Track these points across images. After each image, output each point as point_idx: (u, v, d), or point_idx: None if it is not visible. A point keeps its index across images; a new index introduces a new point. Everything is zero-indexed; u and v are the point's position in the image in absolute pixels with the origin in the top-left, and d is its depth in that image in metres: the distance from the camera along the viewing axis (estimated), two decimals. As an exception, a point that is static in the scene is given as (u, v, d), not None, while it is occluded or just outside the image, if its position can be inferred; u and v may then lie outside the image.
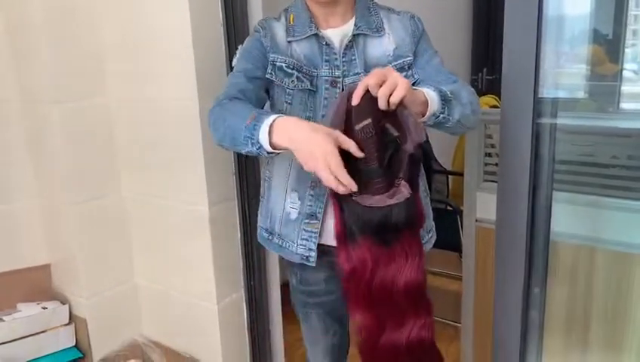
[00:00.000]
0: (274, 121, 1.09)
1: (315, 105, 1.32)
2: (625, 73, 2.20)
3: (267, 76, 1.33)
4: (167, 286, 1.99)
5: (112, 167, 1.95)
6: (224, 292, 1.88)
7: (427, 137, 1.50)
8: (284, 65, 1.32)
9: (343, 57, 1.32)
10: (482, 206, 1.99)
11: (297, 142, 1.05)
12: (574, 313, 1.49)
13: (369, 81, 1.00)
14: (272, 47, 1.34)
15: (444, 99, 1.16)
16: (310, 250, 1.36)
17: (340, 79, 1.32)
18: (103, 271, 1.98)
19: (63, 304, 2.01)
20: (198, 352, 1.96)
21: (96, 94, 1.88)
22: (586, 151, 1.57)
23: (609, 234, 1.44)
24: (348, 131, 1.03)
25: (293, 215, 1.37)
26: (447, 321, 2.70)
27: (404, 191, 1.02)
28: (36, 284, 2.04)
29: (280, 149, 1.11)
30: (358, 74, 1.31)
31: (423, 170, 1.41)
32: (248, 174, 1.85)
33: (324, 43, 1.32)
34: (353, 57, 1.32)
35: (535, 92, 1.25)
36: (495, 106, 2.96)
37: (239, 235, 1.88)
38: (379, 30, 1.34)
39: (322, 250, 1.35)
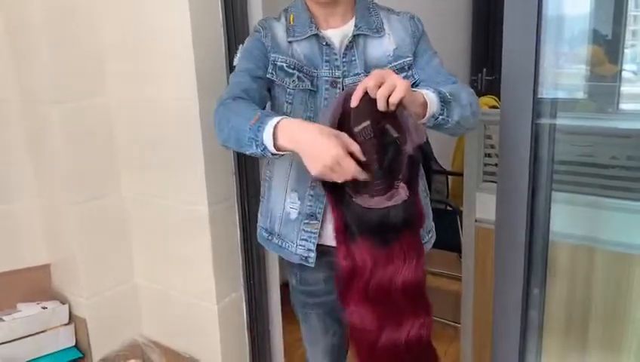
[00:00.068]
0: (278, 122, 1.08)
1: (316, 106, 1.32)
2: (624, 74, 2.20)
3: (268, 76, 1.33)
4: (166, 286, 1.99)
5: (112, 167, 1.95)
6: (224, 292, 1.88)
7: (427, 138, 1.50)
8: (284, 65, 1.33)
9: (343, 58, 1.32)
10: (482, 206, 1.99)
11: (303, 145, 1.04)
12: (573, 313, 1.49)
13: (368, 82, 1.00)
14: (273, 47, 1.34)
15: (444, 101, 1.16)
16: (309, 250, 1.36)
17: (340, 79, 1.32)
18: (102, 271, 1.98)
19: (63, 304, 2.01)
20: (198, 352, 1.97)
21: (96, 94, 1.88)
22: (585, 151, 1.57)
23: (608, 234, 1.44)
24: (347, 133, 1.03)
25: (293, 215, 1.37)
26: (446, 321, 2.70)
27: (401, 193, 1.02)
28: (36, 284, 2.04)
29: (284, 151, 1.10)
30: (358, 74, 1.32)
31: (422, 171, 1.41)
32: (248, 174, 1.85)
33: (324, 43, 1.33)
34: (353, 58, 1.33)
35: (534, 92, 1.25)
36: (494, 107, 2.96)
37: (239, 235, 1.88)
38: (379, 31, 1.35)
39: (322, 250, 1.35)
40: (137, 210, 1.99)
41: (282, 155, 1.13)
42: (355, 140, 1.02)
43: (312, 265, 1.36)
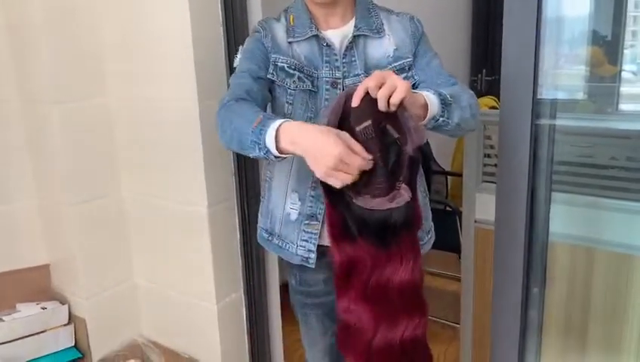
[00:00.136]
0: (280, 125, 1.07)
1: (316, 106, 1.32)
2: (624, 74, 2.20)
3: (269, 76, 1.33)
4: (166, 286, 1.99)
5: (111, 167, 1.95)
6: (223, 293, 1.88)
7: (426, 138, 1.50)
8: (285, 65, 1.33)
9: (343, 58, 1.32)
10: (481, 207, 2.00)
11: (306, 147, 1.03)
12: (573, 313, 1.49)
13: (369, 82, 1.00)
14: (273, 47, 1.34)
15: (444, 103, 1.16)
16: (310, 251, 1.36)
17: (341, 80, 1.32)
18: (102, 272, 1.98)
19: (63, 304, 2.01)
20: (197, 352, 1.97)
21: (96, 94, 1.88)
22: (584, 152, 1.58)
23: (607, 235, 1.44)
24: (348, 133, 1.03)
25: (294, 216, 1.37)
26: (446, 322, 2.71)
27: (404, 194, 1.02)
28: (35, 284, 2.04)
29: (287, 154, 1.09)
30: (358, 75, 1.32)
31: (421, 171, 1.41)
32: (248, 175, 1.85)
33: (324, 44, 1.33)
34: (353, 58, 1.33)
35: (534, 93, 1.25)
36: (494, 107, 2.97)
37: (238, 235, 1.89)
38: (379, 31, 1.35)
39: (322, 251, 1.35)
40: (137, 211, 1.99)
41: (285, 158, 1.13)
42: (356, 140, 1.02)
43: (313, 266, 1.37)
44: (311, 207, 1.35)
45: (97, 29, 1.85)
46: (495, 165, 1.80)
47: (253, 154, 1.14)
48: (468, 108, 1.23)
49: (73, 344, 2.01)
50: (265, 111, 1.38)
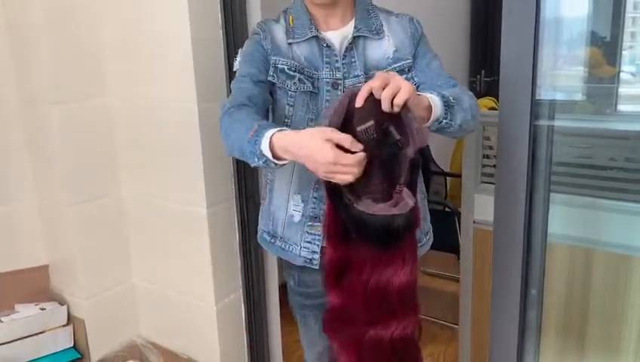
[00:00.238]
0: (272, 135, 1.10)
1: (317, 107, 1.32)
2: (622, 75, 2.21)
3: (269, 79, 1.33)
4: (165, 286, 1.99)
5: (111, 167, 1.95)
6: (222, 293, 1.88)
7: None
8: (286, 67, 1.33)
9: (343, 59, 1.32)
10: (480, 207, 2.00)
11: (299, 155, 1.06)
12: (571, 314, 1.49)
13: (373, 83, 1.00)
14: (273, 49, 1.34)
15: (447, 105, 1.17)
16: (314, 252, 1.36)
17: (341, 81, 1.32)
18: (101, 272, 1.98)
19: (62, 305, 2.00)
20: (196, 353, 1.96)
21: (95, 95, 1.88)
22: (583, 153, 1.58)
23: (606, 236, 1.44)
24: (350, 133, 1.03)
25: (297, 217, 1.37)
26: (445, 322, 2.71)
27: (408, 201, 1.02)
28: (34, 285, 2.04)
29: (286, 161, 1.12)
30: (358, 76, 1.32)
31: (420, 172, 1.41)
32: (247, 175, 1.85)
33: (324, 45, 1.33)
34: (353, 59, 1.33)
35: (533, 94, 1.25)
36: (493, 108, 2.97)
37: (238, 236, 1.89)
38: (378, 32, 1.35)
39: (323, 252, 1.35)
40: (136, 211, 1.99)
41: (286, 163, 1.14)
42: (358, 140, 1.02)
43: (317, 267, 1.37)
44: (314, 208, 1.35)
45: (97, 29, 1.85)
46: (494, 166, 1.80)
47: (253, 163, 1.17)
48: (469, 109, 1.23)
49: (72, 345, 2.01)
50: (267, 114, 1.38)
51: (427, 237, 1.46)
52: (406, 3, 1.93)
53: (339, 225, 1.08)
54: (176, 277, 1.94)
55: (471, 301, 2.08)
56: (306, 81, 1.32)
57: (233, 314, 1.93)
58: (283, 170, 1.37)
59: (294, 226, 1.38)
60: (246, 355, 2.00)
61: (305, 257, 1.37)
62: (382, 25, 1.36)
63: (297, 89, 1.32)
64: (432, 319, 2.73)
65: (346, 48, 1.33)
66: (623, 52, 2.24)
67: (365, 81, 1.30)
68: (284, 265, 1.50)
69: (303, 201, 1.36)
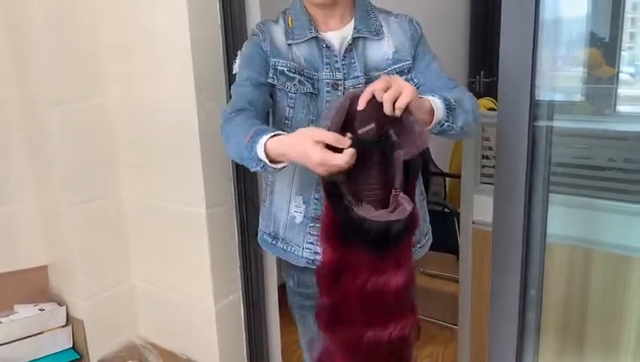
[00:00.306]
0: (266, 141, 1.10)
1: (318, 109, 1.32)
2: (621, 76, 2.21)
3: (269, 80, 1.33)
4: (164, 287, 1.99)
5: (110, 168, 1.95)
6: (222, 294, 1.88)
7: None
8: (285, 69, 1.32)
9: (342, 60, 1.32)
10: (479, 208, 2.00)
11: (294, 158, 1.06)
12: (570, 315, 1.49)
13: (375, 86, 1.00)
14: (273, 51, 1.34)
15: (449, 108, 1.17)
16: (316, 253, 1.35)
17: (342, 81, 1.32)
18: (100, 273, 1.97)
19: (60, 305, 2.00)
20: (196, 353, 1.96)
21: (95, 95, 1.88)
22: (582, 153, 1.58)
23: (605, 236, 1.44)
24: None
25: (299, 219, 1.37)
26: (444, 323, 2.71)
27: (405, 206, 1.02)
28: (33, 286, 2.04)
29: (283, 162, 1.12)
30: (357, 77, 1.32)
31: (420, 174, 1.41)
32: (246, 176, 1.85)
33: (324, 46, 1.32)
34: (353, 60, 1.33)
35: (532, 95, 1.26)
36: (492, 109, 2.97)
37: (237, 237, 1.88)
38: (378, 33, 1.35)
39: None
40: (136, 212, 1.99)
41: (285, 166, 1.14)
42: (358, 141, 1.01)
43: None
44: (316, 209, 1.34)
45: (97, 30, 1.84)
46: (493, 167, 1.80)
47: (253, 168, 1.17)
48: (471, 111, 1.24)
49: (71, 345, 2.01)
50: (268, 116, 1.38)
51: (426, 238, 1.46)
52: (405, 3, 1.93)
53: (337, 226, 1.08)
54: (176, 278, 1.94)
55: (470, 301, 2.08)
56: (306, 82, 1.32)
57: (232, 314, 1.93)
58: (283, 171, 1.37)
59: (296, 227, 1.38)
60: (245, 356, 2.00)
61: (307, 258, 1.37)
62: (381, 26, 1.36)
63: (297, 90, 1.32)
64: (431, 319, 2.73)
65: (346, 49, 1.32)
66: (622, 53, 2.24)
67: (365, 82, 1.31)
68: (283, 265, 1.50)
69: (304, 203, 1.36)
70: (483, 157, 2.04)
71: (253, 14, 1.79)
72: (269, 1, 1.84)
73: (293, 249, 1.39)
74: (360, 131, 1.02)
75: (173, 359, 1.99)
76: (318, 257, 1.35)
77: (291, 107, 1.33)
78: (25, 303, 2.00)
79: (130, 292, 2.07)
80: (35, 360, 1.93)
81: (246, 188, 1.86)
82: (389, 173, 1.04)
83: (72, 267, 1.94)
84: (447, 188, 3.05)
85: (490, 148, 2.03)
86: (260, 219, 1.50)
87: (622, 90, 2.10)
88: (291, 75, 1.32)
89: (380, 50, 1.34)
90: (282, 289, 1.66)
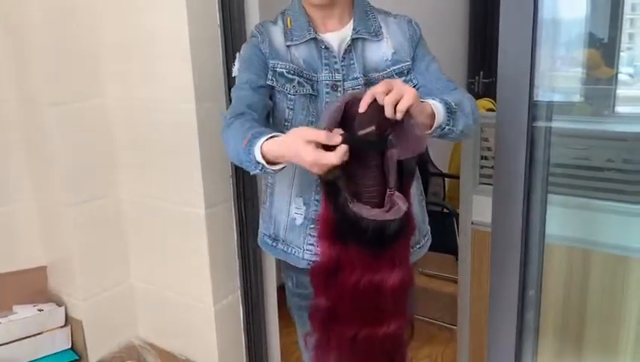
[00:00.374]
0: (262, 144, 1.10)
1: (317, 110, 1.32)
2: (620, 77, 2.20)
3: (268, 82, 1.33)
4: (163, 287, 1.99)
5: (109, 168, 1.95)
6: (221, 294, 1.88)
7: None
8: (285, 71, 1.32)
9: (342, 61, 1.32)
10: (478, 209, 2.00)
11: (288, 158, 1.06)
12: (569, 315, 1.49)
13: (377, 89, 1.00)
14: (272, 53, 1.33)
15: (450, 111, 1.17)
16: (317, 255, 1.35)
17: (341, 82, 1.32)
18: (99, 273, 1.97)
19: (59, 306, 2.00)
20: (195, 354, 1.96)
21: (94, 95, 1.88)
22: (581, 154, 1.58)
23: (604, 237, 1.44)
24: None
25: (299, 220, 1.37)
26: (443, 324, 2.71)
27: (400, 206, 1.02)
28: (32, 286, 2.04)
29: (281, 164, 1.13)
30: (356, 78, 1.32)
31: (418, 173, 1.41)
32: (245, 177, 1.85)
33: (323, 47, 1.32)
34: (352, 61, 1.32)
35: (530, 95, 1.26)
36: (491, 110, 2.97)
37: (236, 237, 1.88)
38: (377, 34, 1.35)
39: None
40: (134, 212, 1.99)
41: (284, 167, 1.15)
42: (357, 143, 1.01)
43: None
44: (316, 211, 1.34)
45: (96, 30, 1.84)
46: (492, 167, 1.80)
47: (252, 171, 1.18)
48: (471, 114, 1.24)
49: (70, 346, 2.01)
50: (268, 119, 1.38)
51: (426, 239, 1.46)
52: (404, 4, 1.93)
53: (333, 224, 1.08)
54: (175, 278, 1.94)
55: (469, 302, 2.08)
56: (305, 83, 1.32)
57: (231, 315, 1.93)
58: (283, 173, 1.37)
59: (297, 229, 1.38)
60: (244, 356, 2.00)
61: (308, 260, 1.37)
62: (380, 26, 1.36)
63: (297, 92, 1.32)
64: (430, 320, 2.73)
65: (345, 50, 1.32)
66: (621, 53, 2.23)
67: (364, 84, 1.31)
68: (282, 266, 1.50)
69: (304, 204, 1.36)
70: (482, 157, 2.04)
71: (253, 14, 1.79)
72: (268, 1, 1.84)
73: (293, 250, 1.39)
74: (360, 133, 1.02)
75: (172, 359, 1.99)
76: None
77: (291, 109, 1.33)
78: (24, 303, 2.00)
79: (129, 293, 2.07)
80: (33, 360, 1.93)
81: (245, 188, 1.86)
82: (385, 174, 1.04)
83: (71, 267, 1.94)
84: (446, 189, 3.05)
85: (489, 149, 2.03)
86: (260, 221, 1.50)
87: (621, 91, 2.09)
88: (290, 76, 1.32)
89: (379, 51, 1.34)
90: (281, 289, 1.66)
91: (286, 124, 1.35)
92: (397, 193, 1.03)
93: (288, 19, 1.36)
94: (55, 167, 1.85)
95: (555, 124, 1.31)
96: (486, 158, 2.03)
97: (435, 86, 1.32)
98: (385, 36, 1.35)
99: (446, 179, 3.04)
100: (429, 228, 1.48)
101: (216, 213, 1.81)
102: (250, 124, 1.21)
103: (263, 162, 1.11)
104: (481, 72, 4.13)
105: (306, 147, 0.98)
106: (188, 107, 1.69)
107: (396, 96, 0.99)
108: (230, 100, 1.35)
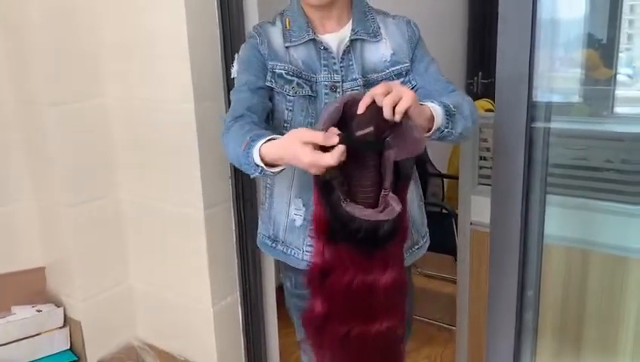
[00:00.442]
0: (261, 146, 1.11)
1: (317, 111, 1.32)
2: (619, 77, 2.20)
3: (267, 84, 1.33)
4: (162, 288, 1.98)
5: (109, 168, 1.95)
6: (220, 295, 1.88)
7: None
8: (284, 72, 1.32)
9: (340, 62, 1.32)
10: (477, 209, 2.00)
11: (286, 159, 1.06)
12: (568, 316, 1.49)
13: (376, 90, 1.00)
14: (270, 54, 1.33)
15: (448, 114, 1.17)
16: (310, 253, 1.35)
17: (340, 84, 1.31)
18: (98, 274, 1.97)
19: (58, 307, 2.00)
20: (193, 355, 1.96)
21: (94, 95, 1.88)
22: (579, 155, 1.58)
23: (602, 237, 1.45)
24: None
25: (299, 221, 1.37)
26: (442, 324, 2.70)
27: (394, 206, 1.02)
28: (31, 287, 2.04)
29: (280, 166, 1.13)
30: (355, 79, 1.31)
31: (417, 177, 1.41)
32: (244, 177, 1.85)
33: (321, 48, 1.32)
34: (350, 62, 1.32)
35: (529, 96, 1.26)
36: (490, 110, 2.97)
37: (235, 238, 1.88)
38: (376, 35, 1.34)
39: None
40: (133, 212, 1.99)
41: (283, 169, 1.15)
42: (355, 144, 1.01)
43: None
44: None
45: (96, 29, 1.84)
46: (491, 168, 1.81)
47: (252, 175, 1.18)
48: (470, 116, 1.24)
49: (68, 347, 2.01)
50: (268, 120, 1.38)
51: (424, 240, 1.46)
52: (403, 4, 1.93)
53: (327, 224, 1.08)
54: (174, 279, 1.94)
55: (468, 302, 2.08)
56: (304, 85, 1.32)
57: (230, 315, 1.93)
58: (282, 174, 1.36)
59: (296, 230, 1.38)
60: (243, 357, 1.99)
61: (308, 261, 1.36)
62: (379, 27, 1.36)
63: (296, 93, 1.32)
64: (429, 320, 2.73)
65: (344, 51, 1.32)
66: (620, 54, 2.24)
67: (363, 85, 1.31)
68: (281, 267, 1.50)
69: (304, 205, 1.35)
70: (481, 158, 2.04)
71: (251, 14, 1.79)
72: (266, 0, 1.84)
73: (293, 252, 1.39)
74: (358, 134, 1.01)
75: (171, 360, 1.99)
76: None
77: (290, 110, 1.33)
78: (22, 304, 2.00)
79: (128, 294, 2.07)
80: (32, 361, 1.93)
81: (244, 189, 1.86)
82: (382, 175, 1.04)
83: (69, 268, 1.94)
84: (445, 189, 3.05)
85: (487, 150, 2.03)
86: (260, 223, 1.50)
87: (619, 92, 2.09)
88: (289, 77, 1.32)
89: (378, 53, 1.34)
90: (280, 290, 1.66)
91: (285, 125, 1.34)
92: (391, 194, 1.03)
93: (287, 20, 1.35)
94: (55, 167, 1.85)
95: (553, 125, 1.31)
96: (485, 159, 2.04)
97: (434, 87, 1.32)
98: (384, 37, 1.35)
99: (445, 179, 3.04)
100: (427, 230, 1.48)
101: (215, 213, 1.81)
102: (249, 127, 1.21)
103: (262, 165, 1.11)
104: (480, 73, 4.12)
105: (303, 148, 0.98)
106: (187, 107, 1.69)
107: (395, 98, 0.99)
108: (229, 101, 1.35)
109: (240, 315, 1.96)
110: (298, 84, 1.31)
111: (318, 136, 0.98)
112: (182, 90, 1.69)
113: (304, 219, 1.36)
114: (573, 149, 1.57)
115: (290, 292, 1.51)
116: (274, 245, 1.43)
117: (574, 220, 1.47)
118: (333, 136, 0.97)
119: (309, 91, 1.31)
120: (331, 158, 0.96)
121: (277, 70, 1.32)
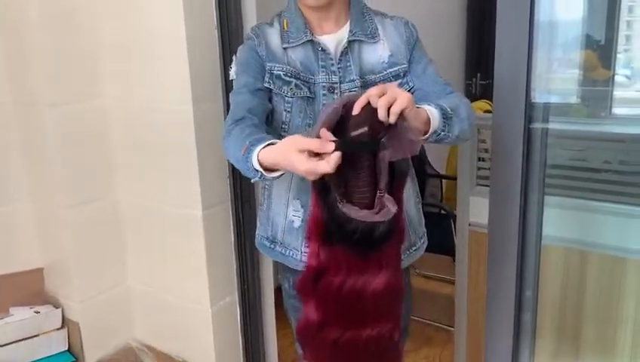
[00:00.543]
0: (259, 152, 1.11)
1: (315, 113, 1.32)
2: (617, 78, 2.20)
3: (265, 85, 1.33)
4: (160, 289, 1.98)
5: (107, 169, 1.95)
6: (218, 296, 1.88)
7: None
8: (282, 73, 1.32)
9: (338, 63, 1.32)
10: (475, 210, 2.00)
11: (283, 165, 1.06)
12: (566, 316, 1.49)
13: (371, 92, 1.00)
14: (268, 55, 1.33)
15: (445, 117, 1.17)
16: (306, 254, 1.35)
17: (337, 85, 1.32)
18: (96, 275, 1.97)
19: (56, 308, 2.00)
20: (192, 356, 1.96)
21: (92, 96, 1.88)
22: (577, 156, 1.58)
23: (600, 238, 1.45)
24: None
25: (297, 223, 1.37)
26: (440, 325, 2.71)
27: (390, 207, 1.02)
28: (29, 288, 2.03)
29: (279, 170, 1.13)
30: (353, 80, 1.32)
31: (414, 175, 1.41)
32: (242, 178, 1.85)
33: (319, 49, 1.32)
34: (348, 63, 1.32)
35: (527, 97, 1.26)
36: (489, 111, 2.97)
37: (233, 239, 1.88)
38: (374, 36, 1.35)
39: None
40: (132, 213, 1.99)
41: (283, 173, 1.15)
42: (351, 144, 1.01)
43: None
44: None
45: (95, 30, 1.84)
46: (489, 168, 1.81)
47: (253, 179, 1.18)
48: (467, 119, 1.24)
49: (67, 348, 2.00)
50: (267, 122, 1.38)
51: (422, 241, 1.46)
52: (401, 5, 1.93)
53: (324, 224, 1.08)
54: (172, 280, 1.94)
55: (466, 303, 2.08)
56: (302, 86, 1.32)
57: (229, 316, 1.93)
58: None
59: (294, 232, 1.38)
60: (241, 358, 1.99)
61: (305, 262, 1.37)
62: (377, 28, 1.36)
63: (294, 94, 1.32)
64: (428, 321, 2.73)
65: (342, 52, 1.32)
66: (618, 55, 2.24)
67: (360, 86, 1.31)
68: (279, 267, 1.50)
69: (302, 207, 1.36)
70: (479, 159, 2.05)
71: (249, 15, 1.79)
72: (265, 1, 1.84)
73: (291, 253, 1.39)
74: (352, 134, 1.02)
75: (169, 361, 1.99)
76: None
77: (288, 111, 1.33)
78: (20, 306, 1.99)
79: (126, 295, 2.07)
80: (30, 362, 1.93)
81: (242, 189, 1.86)
82: (377, 176, 1.04)
83: (67, 269, 1.93)
84: (443, 190, 3.05)
85: (486, 151, 2.03)
86: (258, 224, 1.50)
87: (617, 93, 2.10)
88: (287, 79, 1.32)
89: (376, 54, 1.34)
90: (279, 291, 1.66)
91: (283, 126, 1.35)
92: (387, 195, 1.03)
93: (284, 21, 1.35)
94: (53, 168, 1.85)
95: (551, 126, 1.31)
96: (483, 160, 2.04)
97: (432, 89, 1.32)
98: (381, 38, 1.35)
99: (443, 180, 3.05)
100: (425, 230, 1.48)
101: (213, 214, 1.81)
102: (249, 130, 1.21)
103: (261, 170, 1.11)
104: (479, 74, 4.13)
105: (299, 156, 0.98)
106: (185, 108, 1.69)
107: (390, 99, 0.99)
108: (227, 102, 1.35)
109: (238, 316, 1.96)
110: (296, 85, 1.32)
111: (314, 144, 0.97)
112: (180, 91, 1.69)
113: (302, 221, 1.36)
114: (572, 150, 1.57)
115: (289, 293, 1.51)
116: (272, 246, 1.43)
117: (572, 221, 1.47)
118: (328, 143, 0.96)
119: (307, 92, 1.32)
120: (327, 166, 0.95)
121: (275, 71, 1.32)
